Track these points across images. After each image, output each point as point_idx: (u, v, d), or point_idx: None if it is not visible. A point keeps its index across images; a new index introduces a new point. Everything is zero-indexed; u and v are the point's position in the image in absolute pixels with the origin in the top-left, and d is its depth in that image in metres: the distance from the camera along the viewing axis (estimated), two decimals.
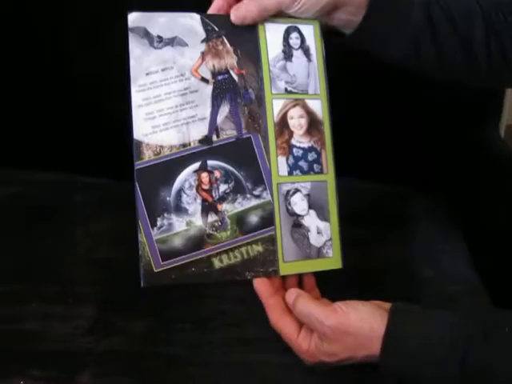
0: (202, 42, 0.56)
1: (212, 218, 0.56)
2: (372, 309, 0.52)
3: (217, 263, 0.56)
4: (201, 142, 0.56)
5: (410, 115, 0.82)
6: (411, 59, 0.59)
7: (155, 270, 0.54)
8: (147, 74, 0.55)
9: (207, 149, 0.56)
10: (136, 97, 0.54)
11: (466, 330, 0.49)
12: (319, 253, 0.58)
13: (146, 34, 0.55)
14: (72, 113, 0.80)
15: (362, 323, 0.51)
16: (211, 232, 0.56)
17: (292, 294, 0.56)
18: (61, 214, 0.73)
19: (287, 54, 0.59)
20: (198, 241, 0.55)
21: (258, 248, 0.57)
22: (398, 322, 0.51)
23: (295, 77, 0.59)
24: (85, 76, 0.78)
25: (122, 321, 0.61)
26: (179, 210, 0.55)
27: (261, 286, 0.56)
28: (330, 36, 0.60)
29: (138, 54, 0.54)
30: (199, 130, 0.56)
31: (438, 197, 0.84)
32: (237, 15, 0.56)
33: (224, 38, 0.57)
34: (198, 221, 0.55)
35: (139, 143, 0.54)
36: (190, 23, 0.56)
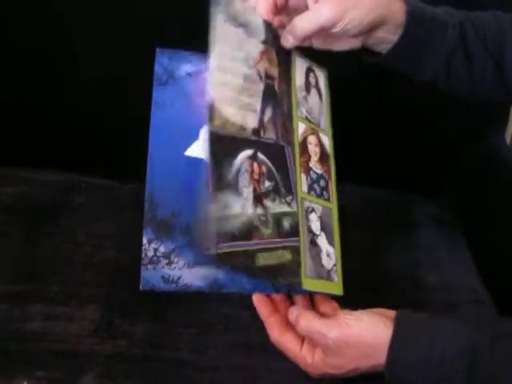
0: (262, 43, 0.57)
1: (259, 210, 0.51)
2: (375, 318, 0.52)
3: (261, 260, 0.49)
4: (252, 132, 0.53)
5: (416, 121, 0.80)
6: (441, 77, 0.60)
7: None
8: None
9: (258, 141, 0.53)
10: (213, 60, 0.50)
11: (472, 340, 0.49)
12: (328, 275, 0.57)
13: (228, 4, 0.53)
14: (77, 113, 0.80)
15: (365, 333, 0.51)
16: (258, 225, 0.50)
17: (293, 312, 0.54)
18: (64, 215, 0.72)
19: (307, 87, 0.63)
20: (249, 230, 0.49)
21: (288, 256, 0.53)
22: (404, 331, 0.50)
23: (311, 110, 0.63)
24: (91, 76, 0.78)
25: (127, 323, 0.60)
26: (237, 190, 0.49)
27: (259, 303, 0.54)
28: (363, 55, 0.61)
29: (219, 24, 0.52)
30: (252, 120, 0.53)
31: (443, 204, 0.82)
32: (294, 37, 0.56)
33: (274, 50, 0.58)
34: (249, 209, 0.50)
35: (212, 106, 0.49)
36: (258, 21, 0.56)
